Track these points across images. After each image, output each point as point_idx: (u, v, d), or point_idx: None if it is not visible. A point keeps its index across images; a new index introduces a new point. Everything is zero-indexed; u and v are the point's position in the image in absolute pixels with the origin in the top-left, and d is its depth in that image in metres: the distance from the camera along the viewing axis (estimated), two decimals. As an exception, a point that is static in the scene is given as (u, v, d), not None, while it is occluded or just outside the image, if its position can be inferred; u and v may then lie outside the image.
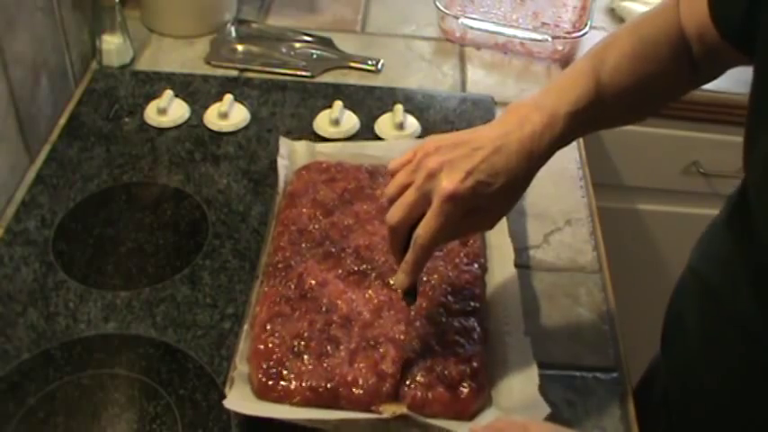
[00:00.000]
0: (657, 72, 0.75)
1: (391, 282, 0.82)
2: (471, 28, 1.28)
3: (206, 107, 1.11)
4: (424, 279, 0.83)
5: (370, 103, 1.14)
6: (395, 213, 0.70)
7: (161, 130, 1.08)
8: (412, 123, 1.10)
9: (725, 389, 0.77)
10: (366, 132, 1.09)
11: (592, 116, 0.73)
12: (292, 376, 0.74)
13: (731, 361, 0.76)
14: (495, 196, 0.69)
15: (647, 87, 0.76)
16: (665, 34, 0.75)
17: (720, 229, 0.81)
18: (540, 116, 0.71)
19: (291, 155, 0.99)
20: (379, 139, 1.08)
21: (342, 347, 0.76)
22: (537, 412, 0.70)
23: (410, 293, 0.74)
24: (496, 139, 0.70)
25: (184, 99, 1.12)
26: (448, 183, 0.68)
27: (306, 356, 0.75)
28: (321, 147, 1.02)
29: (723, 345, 0.77)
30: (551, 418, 0.70)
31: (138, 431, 0.75)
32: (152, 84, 1.15)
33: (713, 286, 0.78)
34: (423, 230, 0.69)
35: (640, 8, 1.34)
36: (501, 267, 0.86)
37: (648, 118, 0.85)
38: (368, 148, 1.02)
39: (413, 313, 0.79)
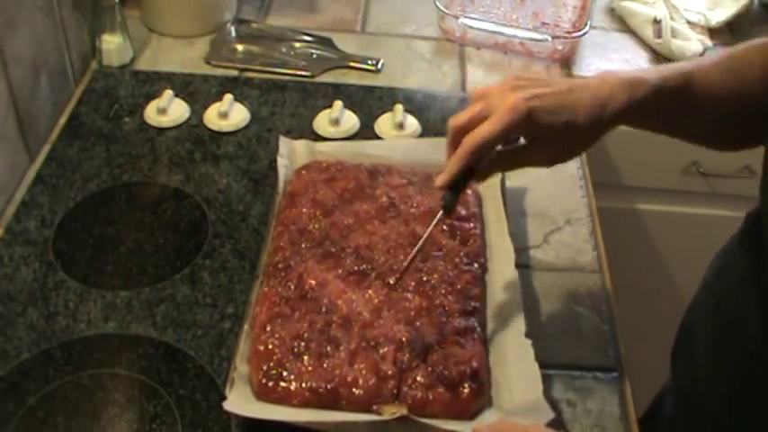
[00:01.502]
0: (745, 91, 0.75)
1: (391, 282, 0.82)
2: (471, 28, 1.28)
3: (206, 107, 1.11)
4: (424, 279, 0.83)
5: (370, 102, 1.14)
6: (458, 116, 0.72)
7: (161, 130, 1.08)
8: (412, 123, 1.10)
9: (728, 411, 0.77)
10: (366, 132, 1.09)
11: (678, 103, 0.72)
12: (292, 378, 0.74)
13: (735, 382, 0.76)
14: (553, 131, 0.70)
15: (735, 103, 0.75)
16: (759, 58, 0.75)
17: (736, 248, 0.80)
18: (622, 80, 0.71)
19: (291, 154, 0.99)
20: (379, 139, 1.08)
21: (342, 348, 0.76)
22: (540, 416, 0.70)
23: (447, 205, 0.75)
24: (575, 85, 0.71)
25: (184, 99, 1.12)
26: (512, 97, 0.69)
27: (306, 357, 0.75)
28: (321, 146, 1.02)
29: (729, 366, 0.77)
30: (554, 422, 0.70)
31: (138, 431, 0.75)
32: (152, 83, 1.15)
33: (724, 305, 0.78)
34: (474, 131, 0.71)
35: (640, 8, 1.34)
36: (501, 267, 0.86)
37: (731, 149, 0.83)
38: (368, 147, 1.02)
39: (413, 313, 0.79)
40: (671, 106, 0.72)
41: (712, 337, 0.80)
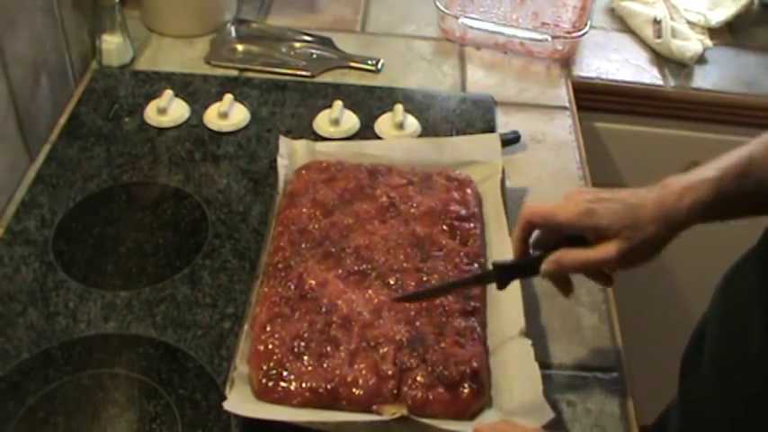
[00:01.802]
0: None
1: (391, 282, 0.82)
2: (471, 28, 1.28)
3: (206, 107, 1.11)
4: (424, 279, 0.83)
5: (370, 102, 1.14)
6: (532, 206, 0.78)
7: (161, 130, 1.08)
8: (412, 123, 1.10)
9: (730, 429, 0.76)
10: (366, 132, 1.09)
11: (741, 192, 0.73)
12: (292, 377, 0.74)
13: (739, 400, 0.75)
14: (612, 230, 0.72)
15: None
16: None
17: (749, 259, 0.80)
18: (685, 184, 0.73)
19: (291, 154, 0.99)
20: (380, 139, 1.08)
21: (342, 348, 0.76)
22: (540, 416, 0.70)
23: (502, 265, 0.78)
24: (639, 191, 0.74)
25: (184, 99, 1.12)
26: (577, 197, 0.75)
27: (306, 357, 0.75)
28: (321, 146, 1.02)
29: (731, 381, 0.76)
30: (554, 422, 0.70)
31: (138, 431, 0.75)
32: (152, 83, 1.15)
33: (731, 318, 0.78)
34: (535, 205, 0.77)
35: (640, 8, 1.34)
36: (501, 267, 0.86)
37: None
38: (368, 147, 1.02)
39: (413, 313, 0.79)
40: (735, 195, 0.73)
41: (716, 351, 0.79)
